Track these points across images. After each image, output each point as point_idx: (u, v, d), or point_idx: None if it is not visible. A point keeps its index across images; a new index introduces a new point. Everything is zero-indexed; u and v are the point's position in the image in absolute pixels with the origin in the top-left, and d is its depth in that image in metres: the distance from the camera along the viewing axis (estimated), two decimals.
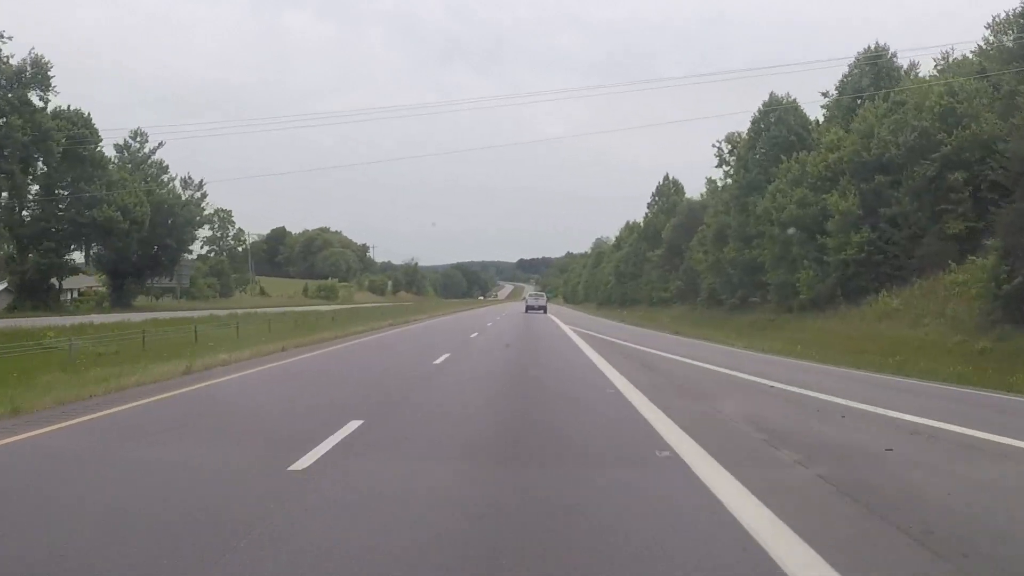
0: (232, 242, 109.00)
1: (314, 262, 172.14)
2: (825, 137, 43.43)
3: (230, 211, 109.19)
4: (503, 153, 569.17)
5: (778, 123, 49.28)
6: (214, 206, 70.37)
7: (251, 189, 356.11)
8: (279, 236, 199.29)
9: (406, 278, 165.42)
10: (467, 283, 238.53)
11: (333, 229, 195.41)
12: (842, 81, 49.94)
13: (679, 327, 45.60)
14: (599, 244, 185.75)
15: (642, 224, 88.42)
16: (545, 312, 70.69)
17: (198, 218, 58.95)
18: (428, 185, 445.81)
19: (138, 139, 55.70)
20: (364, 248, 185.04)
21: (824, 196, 40.33)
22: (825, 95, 53.00)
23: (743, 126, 57.77)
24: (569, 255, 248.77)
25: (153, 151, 55.57)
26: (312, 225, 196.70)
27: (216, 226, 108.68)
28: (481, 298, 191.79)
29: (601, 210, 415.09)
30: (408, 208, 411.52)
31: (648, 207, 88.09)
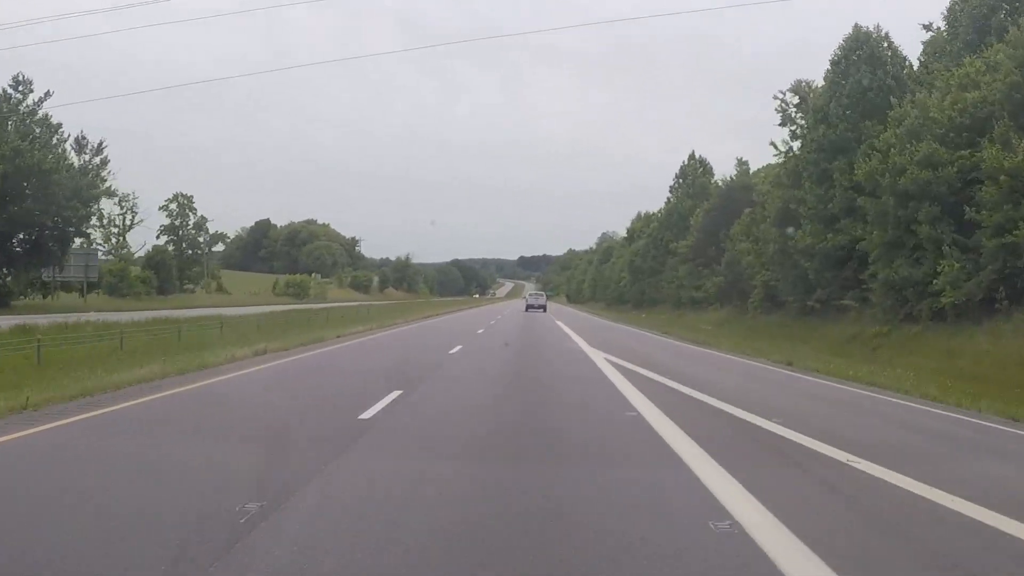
0: (193, 231, 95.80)
1: (297, 256, 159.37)
2: (949, 75, 30.34)
3: (191, 196, 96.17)
4: (503, 149, 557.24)
5: (870, 61, 36.18)
6: (116, 176, 55.48)
7: (246, 182, 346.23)
8: (263, 229, 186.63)
9: (396, 274, 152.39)
10: (464, 280, 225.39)
11: (321, 221, 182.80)
12: (952, 7, 36.96)
13: (731, 340, 32.57)
14: (606, 239, 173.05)
15: (662, 212, 75.29)
16: (544, 311, 71.52)
17: (95, 191, 45.35)
18: (427, 182, 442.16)
19: (21, 89, 42.47)
20: (353, 242, 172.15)
21: (963, 152, 27.33)
22: (928, 28, 39.97)
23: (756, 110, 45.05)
24: (571, 252, 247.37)
25: (38, 104, 42.17)
26: (302, 218, 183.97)
27: (175, 214, 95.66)
28: (476, 296, 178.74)
29: (602, 206, 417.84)
30: (406, 206, 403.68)
31: (670, 191, 75.07)
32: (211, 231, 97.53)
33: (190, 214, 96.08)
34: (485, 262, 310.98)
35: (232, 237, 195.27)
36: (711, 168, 72.80)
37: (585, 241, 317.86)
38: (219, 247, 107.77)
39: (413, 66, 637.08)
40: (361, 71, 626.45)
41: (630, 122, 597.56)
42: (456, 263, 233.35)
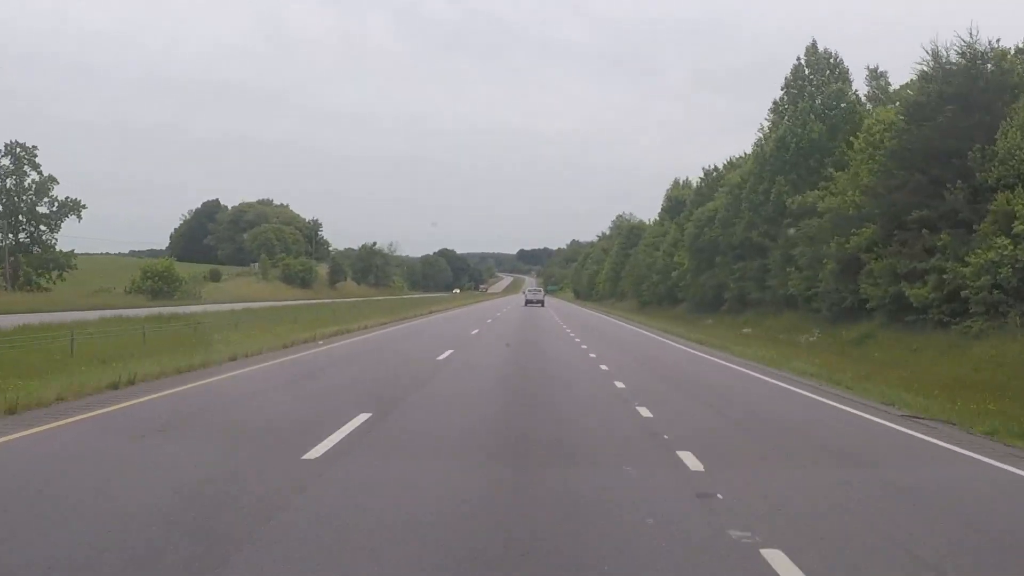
0: (33, 198, 64.75)
1: (241, 242, 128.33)
2: None
3: (33, 147, 64.75)
4: (502, 144, 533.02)
5: None
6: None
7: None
8: (210, 211, 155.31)
9: (360, 264, 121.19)
10: (453, 272, 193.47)
11: (279, 202, 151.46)
12: None
13: None
14: (622, 223, 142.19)
15: (763, 149, 43.70)
16: (542, 305, 76.49)
17: None
18: (426, 180, 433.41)
19: None
20: (314, 225, 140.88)
21: None
22: None
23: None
24: (575, 243, 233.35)
25: None
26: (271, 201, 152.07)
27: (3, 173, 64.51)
28: (456, 292, 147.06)
29: (603, 200, 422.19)
30: (408, 203, 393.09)
31: (775, 113, 43.77)
32: (65, 198, 66.17)
33: (29, 173, 64.98)
34: (484, 256, 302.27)
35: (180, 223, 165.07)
36: (847, 71, 41.73)
37: (588, 233, 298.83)
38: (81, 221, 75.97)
39: (412, 61, 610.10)
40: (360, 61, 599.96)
41: (630, 117, 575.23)
42: (445, 253, 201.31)
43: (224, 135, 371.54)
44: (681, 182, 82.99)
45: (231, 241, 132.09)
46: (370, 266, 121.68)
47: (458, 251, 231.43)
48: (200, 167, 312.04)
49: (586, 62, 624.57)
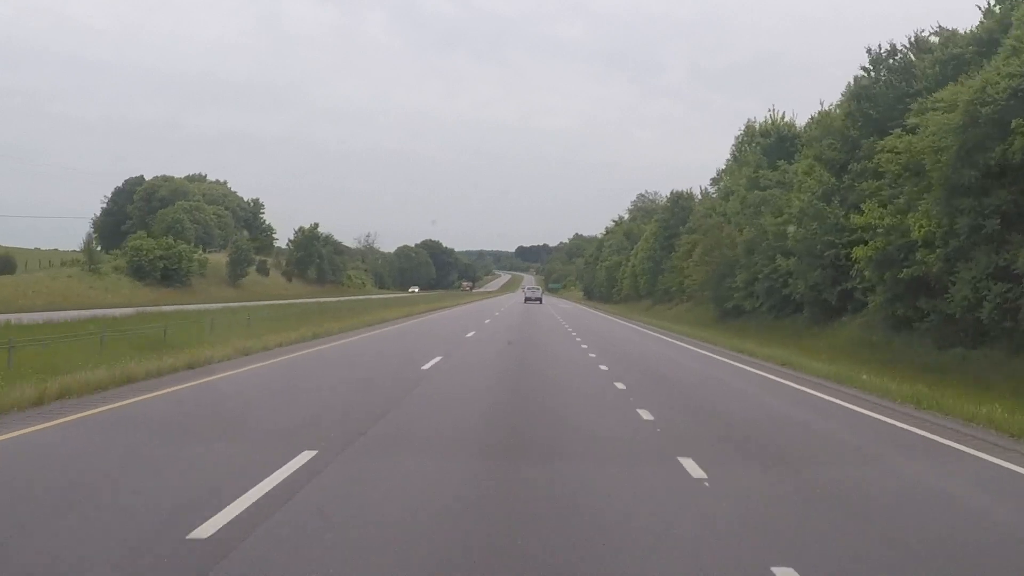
0: None
1: (152, 223, 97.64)
2: None
3: None
4: (500, 141, 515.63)
5: None
6: None
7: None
8: (129, 189, 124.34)
9: (299, 253, 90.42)
10: (438, 268, 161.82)
11: (214, 179, 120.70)
12: None
13: None
14: (644, 202, 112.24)
15: None
16: (540, 302, 79.54)
17: None
18: (423, 177, 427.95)
19: None
20: (254, 206, 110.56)
21: None
22: None
23: None
24: (578, 237, 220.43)
25: None
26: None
27: None
28: (415, 291, 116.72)
29: (603, 196, 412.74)
30: (407, 202, 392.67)
31: None
32: None
33: None
34: (482, 253, 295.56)
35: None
36: None
37: (586, 229, 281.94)
38: None
39: (411, 57, 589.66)
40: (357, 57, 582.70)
41: (628, 114, 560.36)
42: (428, 245, 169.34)
43: (219, 132, 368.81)
44: (780, 115, 51.58)
45: (142, 222, 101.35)
46: (310, 256, 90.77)
47: (457, 248, 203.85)
48: (198, 166, 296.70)
49: (584, 59, 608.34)
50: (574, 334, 32.27)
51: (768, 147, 45.14)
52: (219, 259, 76.66)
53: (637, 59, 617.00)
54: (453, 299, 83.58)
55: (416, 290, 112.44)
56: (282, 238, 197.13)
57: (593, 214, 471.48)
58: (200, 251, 72.68)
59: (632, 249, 78.20)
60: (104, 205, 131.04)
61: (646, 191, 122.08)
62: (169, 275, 61.02)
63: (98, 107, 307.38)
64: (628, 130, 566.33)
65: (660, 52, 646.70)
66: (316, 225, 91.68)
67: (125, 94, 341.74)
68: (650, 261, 67.60)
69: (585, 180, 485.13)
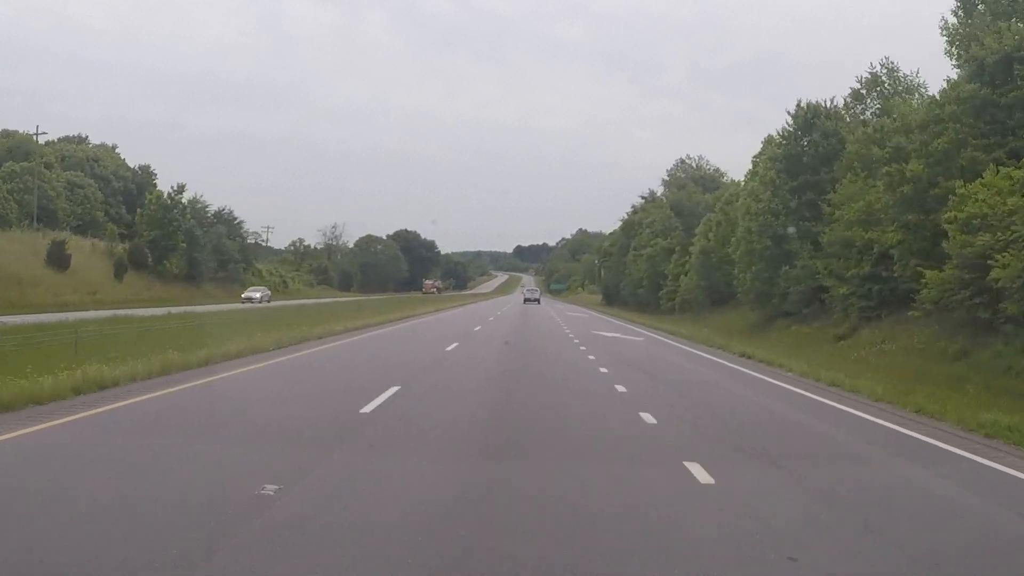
0: None
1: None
2: None
3: None
4: (499, 141, 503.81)
5: None
6: None
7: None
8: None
9: (152, 233, 57.51)
10: (411, 264, 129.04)
11: (102, 142, 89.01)
12: None
13: None
14: (689, 172, 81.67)
15: None
16: (538, 303, 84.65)
17: None
18: (425, 176, 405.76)
19: None
20: (145, 175, 78.95)
21: None
22: None
23: None
24: (581, 232, 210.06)
25: None
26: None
27: None
28: (254, 296, 65.76)
29: (603, 195, 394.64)
30: (406, 201, 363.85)
31: None
32: None
33: None
34: (480, 253, 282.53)
35: None
36: None
37: (590, 227, 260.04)
38: None
39: (411, 57, 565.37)
40: (357, 58, 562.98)
41: (628, 114, 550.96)
42: (402, 236, 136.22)
43: (219, 132, 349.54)
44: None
45: None
46: (170, 238, 57.28)
47: (454, 249, 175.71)
48: (198, 163, 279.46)
49: (584, 59, 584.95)
50: None
51: None
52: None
53: (637, 59, 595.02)
54: (400, 308, 50.39)
55: (257, 296, 60.57)
56: (282, 240, 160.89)
57: (593, 214, 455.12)
58: None
59: (700, 227, 46.13)
60: None
61: (688, 155, 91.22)
62: None
63: (98, 107, 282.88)
64: (628, 130, 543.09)
65: (660, 52, 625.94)
66: (182, 188, 59.07)
67: (125, 94, 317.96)
68: (697, 260, 35.79)
69: (585, 180, 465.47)
